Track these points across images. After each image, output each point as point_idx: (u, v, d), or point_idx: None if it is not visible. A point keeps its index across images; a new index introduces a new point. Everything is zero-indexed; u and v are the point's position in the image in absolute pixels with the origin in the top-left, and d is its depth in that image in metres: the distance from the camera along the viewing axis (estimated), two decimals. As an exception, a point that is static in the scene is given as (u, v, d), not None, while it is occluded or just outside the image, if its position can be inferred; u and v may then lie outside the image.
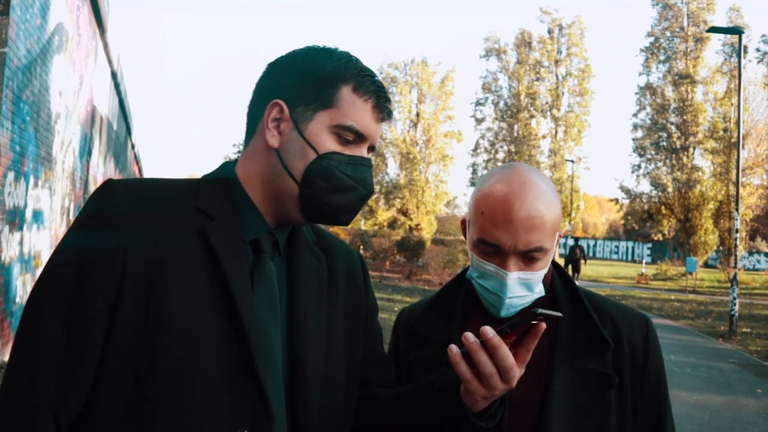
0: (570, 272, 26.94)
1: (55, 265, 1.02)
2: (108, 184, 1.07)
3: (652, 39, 36.23)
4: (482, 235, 1.25)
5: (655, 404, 1.33)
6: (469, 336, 1.03)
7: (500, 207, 1.23)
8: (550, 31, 41.74)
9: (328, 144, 1.09)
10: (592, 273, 34.07)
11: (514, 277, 1.24)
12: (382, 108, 1.14)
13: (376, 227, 38.20)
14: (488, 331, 1.01)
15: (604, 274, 34.01)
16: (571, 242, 33.47)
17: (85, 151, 10.68)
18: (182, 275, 1.01)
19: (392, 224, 38.48)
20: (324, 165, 1.08)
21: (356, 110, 1.10)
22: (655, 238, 39.00)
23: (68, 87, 8.37)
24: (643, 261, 40.29)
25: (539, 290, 1.29)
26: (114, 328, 0.98)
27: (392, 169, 40.35)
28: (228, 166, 1.18)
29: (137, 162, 27.98)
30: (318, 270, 1.19)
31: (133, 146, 23.96)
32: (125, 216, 1.02)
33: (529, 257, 1.24)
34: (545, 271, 1.29)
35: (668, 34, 35.62)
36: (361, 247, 30.19)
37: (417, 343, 1.40)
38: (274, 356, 1.06)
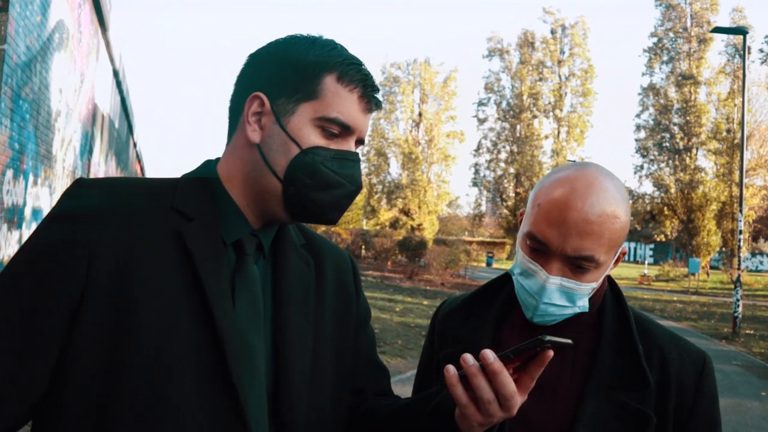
0: None
1: (16, 266, 0.97)
2: (77, 183, 1.01)
3: (655, 39, 36.21)
4: (532, 228, 1.15)
5: None
6: (468, 358, 0.95)
7: (557, 203, 1.13)
8: (553, 32, 41.78)
9: (312, 138, 1.03)
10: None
11: (555, 282, 1.14)
12: (370, 98, 1.07)
13: (377, 227, 38.19)
14: (489, 355, 0.93)
15: (607, 275, 33.91)
16: None
17: (86, 149, 10.65)
18: (154, 280, 0.96)
19: (394, 224, 38.48)
20: (308, 160, 1.02)
21: (341, 101, 1.04)
22: (658, 239, 38.96)
23: (69, 85, 8.33)
24: (646, 262, 40.22)
25: (582, 305, 1.17)
26: (76, 335, 0.93)
27: (394, 169, 40.44)
28: (209, 165, 1.12)
29: (139, 161, 27.98)
30: (305, 274, 1.13)
31: (135, 145, 23.96)
32: (93, 216, 0.97)
33: (577, 265, 1.13)
34: (594, 286, 1.16)
35: (671, 34, 35.60)
36: (363, 246, 30.16)
37: (448, 339, 1.32)
38: (257, 366, 1.00)
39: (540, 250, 1.15)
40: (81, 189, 1.00)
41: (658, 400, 1.16)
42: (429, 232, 36.96)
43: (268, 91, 1.04)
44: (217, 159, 1.13)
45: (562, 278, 1.14)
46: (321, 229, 29.67)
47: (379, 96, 1.10)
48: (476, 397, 0.94)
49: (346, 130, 1.05)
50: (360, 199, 39.26)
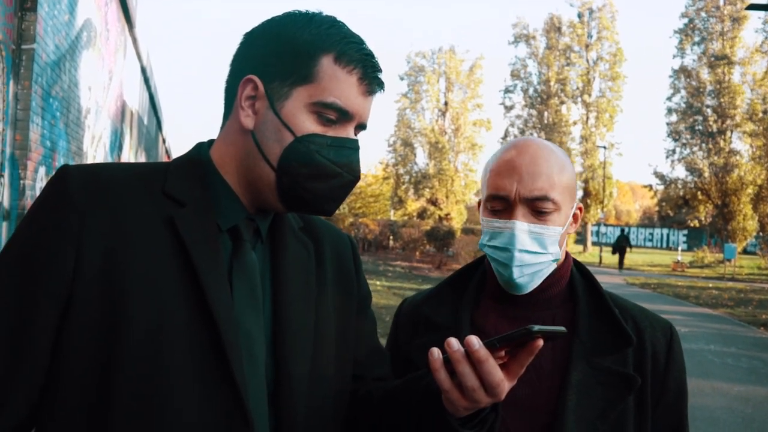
0: (618, 259, 28.49)
1: (5, 258, 0.94)
2: (62, 170, 0.97)
3: (686, 20, 35.31)
4: (489, 190, 1.24)
5: (672, 421, 1.24)
6: (453, 343, 0.91)
7: (505, 160, 1.23)
8: (580, 15, 41.03)
9: (307, 125, 0.97)
10: (626, 261, 33.49)
11: (522, 227, 1.19)
12: (371, 79, 1.00)
13: (405, 217, 38.14)
14: (474, 341, 0.89)
15: (639, 262, 33.40)
16: (604, 231, 33.09)
17: (116, 146, 10.80)
18: (146, 268, 0.92)
19: (422, 214, 38.38)
20: (302, 149, 0.97)
21: (338, 84, 0.97)
22: (691, 225, 38.14)
23: (98, 82, 8.44)
24: (679, 248, 39.37)
25: (555, 251, 1.22)
26: (67, 327, 0.90)
27: (421, 159, 40.23)
28: (201, 148, 1.07)
29: (169, 156, 28.33)
30: (305, 258, 1.09)
31: (164, 141, 24.26)
32: (79, 205, 0.93)
33: (537, 209, 1.20)
34: (559, 230, 1.22)
35: (703, 14, 34.66)
36: (391, 237, 30.14)
37: (419, 329, 1.32)
38: (256, 355, 0.97)
39: (500, 209, 1.22)
40: (64, 177, 0.96)
41: (636, 364, 1.21)
42: (457, 222, 36.75)
43: (262, 73, 0.99)
44: (210, 141, 1.09)
45: (528, 224, 1.20)
46: (349, 220, 29.69)
47: (381, 76, 1.03)
48: (460, 383, 0.91)
49: (344, 115, 0.99)
50: (387, 189, 39.19)
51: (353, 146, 1.02)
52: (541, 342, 0.90)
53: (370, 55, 1.01)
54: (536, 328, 0.87)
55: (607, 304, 1.25)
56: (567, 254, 1.32)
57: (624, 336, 1.20)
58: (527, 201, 1.19)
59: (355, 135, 1.04)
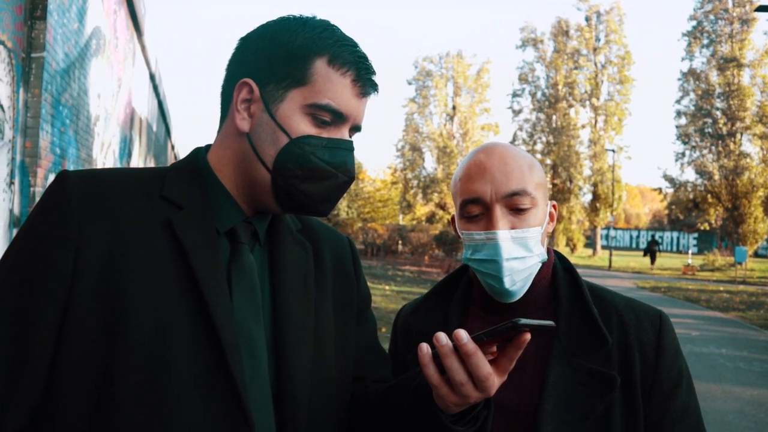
0: (649, 262, 31.00)
1: (5, 264, 0.95)
2: (61, 175, 0.98)
3: (694, 22, 35.18)
4: (462, 196, 1.21)
5: (668, 417, 1.18)
6: (441, 337, 0.92)
7: (473, 165, 1.22)
8: (587, 19, 40.94)
9: (302, 126, 0.99)
10: (635, 264, 33.30)
11: (505, 236, 1.16)
12: (364, 81, 1.02)
13: (414, 222, 38.15)
14: (462, 335, 0.89)
15: (649, 265, 33.20)
16: (613, 234, 33.67)
17: (125, 153, 10.86)
18: (145, 272, 0.92)
19: (430, 219, 38.40)
20: (297, 151, 0.98)
21: (332, 86, 0.99)
22: (702, 228, 37.87)
23: (107, 90, 8.50)
24: (689, 251, 39.07)
25: (540, 252, 1.19)
26: (67, 332, 0.90)
27: (429, 164, 40.38)
28: (199, 152, 1.09)
29: (177, 162, 28.42)
30: (303, 260, 1.10)
31: (173, 147, 24.39)
32: (78, 210, 0.93)
33: (515, 206, 1.17)
34: (539, 229, 1.19)
35: (712, 16, 34.51)
36: (400, 242, 30.13)
37: (412, 336, 1.31)
38: (258, 356, 0.97)
39: (477, 213, 1.20)
40: (63, 182, 0.97)
41: (621, 362, 1.18)
42: (465, 226, 36.63)
43: (258, 77, 1.00)
44: (207, 146, 1.10)
45: (511, 230, 1.17)
46: (357, 224, 29.68)
47: (375, 78, 1.04)
48: (449, 378, 0.91)
49: (338, 117, 1.00)
50: (396, 194, 39.21)
51: (348, 147, 1.03)
52: (528, 336, 0.89)
53: (363, 58, 1.03)
54: (522, 321, 0.86)
55: (587, 303, 1.22)
56: (548, 250, 1.30)
57: (600, 337, 1.18)
58: (504, 198, 1.17)
59: (350, 136, 1.05)
